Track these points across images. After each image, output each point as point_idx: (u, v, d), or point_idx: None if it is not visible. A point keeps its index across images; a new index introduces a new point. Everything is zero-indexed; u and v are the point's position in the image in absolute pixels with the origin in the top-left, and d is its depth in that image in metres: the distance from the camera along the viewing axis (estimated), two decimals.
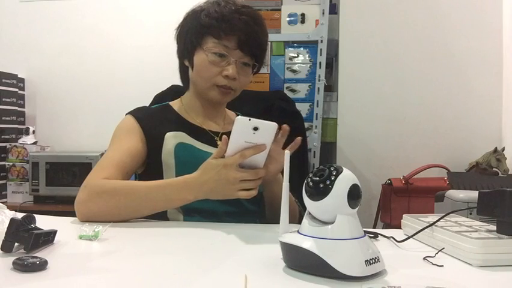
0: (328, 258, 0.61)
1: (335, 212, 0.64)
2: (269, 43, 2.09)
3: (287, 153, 0.72)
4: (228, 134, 0.91)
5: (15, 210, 0.88)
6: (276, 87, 2.13)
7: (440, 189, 1.54)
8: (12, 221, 0.71)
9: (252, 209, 1.17)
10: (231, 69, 1.12)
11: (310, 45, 2.13)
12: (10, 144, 2.70)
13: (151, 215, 1.02)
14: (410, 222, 0.90)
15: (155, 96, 1.47)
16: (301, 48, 2.14)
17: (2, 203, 0.87)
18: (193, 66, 1.17)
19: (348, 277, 0.61)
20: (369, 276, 0.62)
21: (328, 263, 0.61)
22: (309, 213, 0.68)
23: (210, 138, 1.18)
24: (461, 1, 2.11)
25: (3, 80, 2.67)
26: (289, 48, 2.16)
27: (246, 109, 1.34)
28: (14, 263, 0.63)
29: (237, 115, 1.27)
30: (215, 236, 0.91)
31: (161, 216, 1.05)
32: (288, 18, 2.14)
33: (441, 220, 0.83)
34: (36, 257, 0.65)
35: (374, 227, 1.99)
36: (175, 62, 1.25)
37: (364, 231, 0.67)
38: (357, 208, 0.65)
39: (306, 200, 0.66)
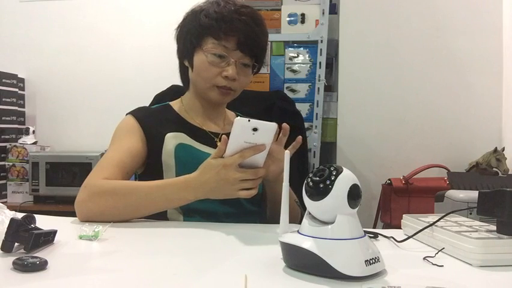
0: (328, 258, 0.61)
1: (335, 212, 0.64)
2: (269, 43, 2.09)
3: (287, 153, 0.72)
4: (228, 135, 0.91)
5: (15, 210, 0.88)
6: (276, 87, 2.13)
7: (440, 189, 1.54)
8: (12, 221, 0.71)
9: (252, 210, 1.17)
10: (231, 69, 1.12)
11: (310, 45, 2.13)
12: (10, 144, 2.70)
13: (151, 215, 1.02)
14: (410, 222, 0.90)
15: (155, 96, 1.47)
16: (301, 48, 2.14)
17: (2, 203, 0.87)
18: (192, 67, 1.17)
19: (348, 277, 0.61)
20: (369, 276, 0.62)
21: (328, 263, 0.61)
22: (309, 213, 0.68)
23: (209, 139, 1.18)
24: (461, 1, 2.11)
25: (3, 80, 2.67)
26: (289, 48, 2.16)
27: (246, 109, 1.34)
28: (14, 263, 0.63)
29: (237, 115, 1.27)
30: (215, 236, 0.90)
31: (161, 217, 1.05)
32: (288, 18, 2.14)
33: (441, 220, 0.83)
34: (36, 257, 0.65)
35: (374, 227, 1.99)
36: (175, 62, 1.25)
37: (364, 231, 0.67)
38: (357, 208, 0.65)
39: (306, 200, 0.66)
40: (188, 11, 1.19)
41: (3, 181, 2.69)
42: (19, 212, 0.85)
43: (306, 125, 2.04)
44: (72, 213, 1.01)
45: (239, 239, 0.87)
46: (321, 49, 2.09)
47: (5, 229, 0.71)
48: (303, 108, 2.07)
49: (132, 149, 1.12)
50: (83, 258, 0.73)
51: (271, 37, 2.09)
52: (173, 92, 1.40)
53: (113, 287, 0.61)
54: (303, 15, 2.13)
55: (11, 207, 0.89)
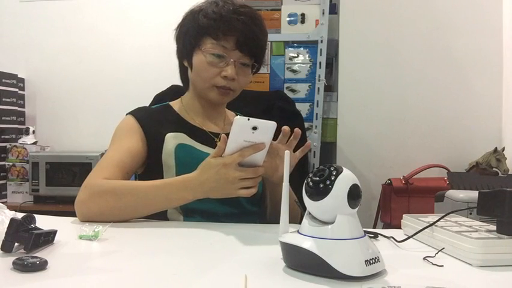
0: (328, 258, 0.61)
1: (335, 212, 0.64)
2: (269, 43, 2.10)
3: (287, 153, 0.72)
4: (228, 135, 0.91)
5: (15, 210, 0.88)
6: (276, 87, 2.13)
7: (440, 189, 1.53)
8: (12, 221, 0.71)
9: (252, 210, 1.17)
10: (230, 69, 1.12)
11: (310, 45, 2.13)
12: (10, 144, 2.70)
13: (151, 215, 1.02)
14: (410, 222, 0.90)
15: (155, 96, 1.47)
16: (301, 48, 2.14)
17: (2, 203, 0.87)
18: (192, 67, 1.17)
19: (348, 277, 0.61)
20: (369, 276, 0.62)
21: (328, 263, 0.61)
22: (309, 213, 0.68)
23: (209, 139, 1.18)
24: (461, 1, 2.11)
25: (3, 80, 2.67)
26: (289, 48, 2.15)
27: (246, 109, 1.34)
28: (14, 263, 0.63)
29: (237, 115, 1.27)
30: (215, 236, 0.90)
31: (161, 217, 1.05)
32: (288, 18, 2.13)
33: (441, 220, 0.83)
34: (36, 257, 0.65)
35: (374, 227, 1.99)
36: (175, 62, 1.25)
37: (364, 231, 0.67)
38: (357, 208, 0.65)
39: (306, 200, 0.66)
40: (187, 11, 1.19)
41: (3, 181, 2.69)
42: (19, 212, 0.85)
43: (306, 125, 2.04)
44: (72, 213, 1.01)
45: (239, 239, 0.87)
46: (321, 49, 2.09)
47: (5, 229, 0.71)
48: (303, 108, 2.07)
49: (132, 149, 1.12)
50: (83, 258, 0.73)
51: (271, 37, 2.09)
52: (173, 92, 1.40)
53: (113, 287, 0.61)
54: (303, 15, 2.13)
55: (11, 207, 0.89)
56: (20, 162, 2.68)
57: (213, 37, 1.12)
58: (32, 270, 0.63)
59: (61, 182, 2.57)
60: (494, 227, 0.75)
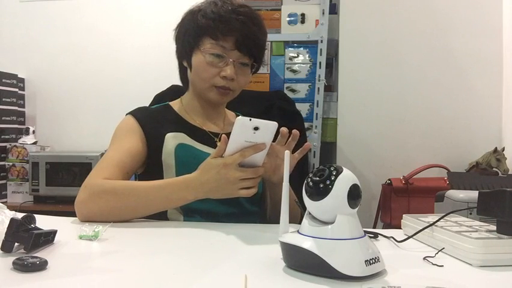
0: (328, 258, 0.61)
1: (335, 212, 0.64)
2: (269, 43, 2.10)
3: (287, 153, 0.72)
4: (228, 135, 0.91)
5: (15, 210, 0.88)
6: (276, 87, 2.13)
7: (440, 189, 1.54)
8: (12, 221, 0.71)
9: (252, 210, 1.17)
10: (229, 69, 1.12)
11: (310, 45, 2.13)
12: (10, 144, 2.70)
13: (151, 215, 1.02)
14: (410, 222, 0.90)
15: (155, 96, 1.47)
16: (301, 48, 2.14)
17: (2, 203, 0.87)
18: (191, 67, 1.17)
19: (348, 277, 0.61)
20: (369, 276, 0.62)
21: (328, 263, 0.61)
22: (309, 213, 0.68)
23: (209, 139, 1.18)
24: (461, 1, 2.11)
25: (3, 80, 2.67)
26: (289, 48, 2.15)
27: (246, 109, 1.34)
28: (14, 263, 0.63)
29: (237, 115, 1.27)
30: (215, 236, 0.90)
31: (161, 217, 1.05)
32: (288, 18, 2.13)
33: (441, 220, 0.83)
34: (36, 257, 0.65)
35: (374, 227, 1.99)
36: (175, 62, 1.25)
37: (364, 231, 0.67)
38: (357, 208, 0.65)
39: (306, 200, 0.66)
40: (186, 11, 1.19)
41: (3, 181, 2.69)
42: (19, 212, 0.85)
43: (306, 125, 2.04)
44: (72, 213, 1.01)
45: (239, 239, 0.87)
46: (321, 49, 2.09)
47: (5, 229, 0.71)
48: (303, 108, 2.07)
49: (132, 149, 1.12)
50: (83, 258, 0.73)
51: (271, 37, 2.09)
52: (173, 92, 1.40)
53: (113, 287, 0.61)
54: (303, 15, 2.13)
55: (11, 207, 0.89)
56: (20, 162, 2.68)
57: (212, 37, 1.12)
58: (32, 270, 0.63)
59: (61, 182, 2.57)
60: (494, 227, 0.75)
